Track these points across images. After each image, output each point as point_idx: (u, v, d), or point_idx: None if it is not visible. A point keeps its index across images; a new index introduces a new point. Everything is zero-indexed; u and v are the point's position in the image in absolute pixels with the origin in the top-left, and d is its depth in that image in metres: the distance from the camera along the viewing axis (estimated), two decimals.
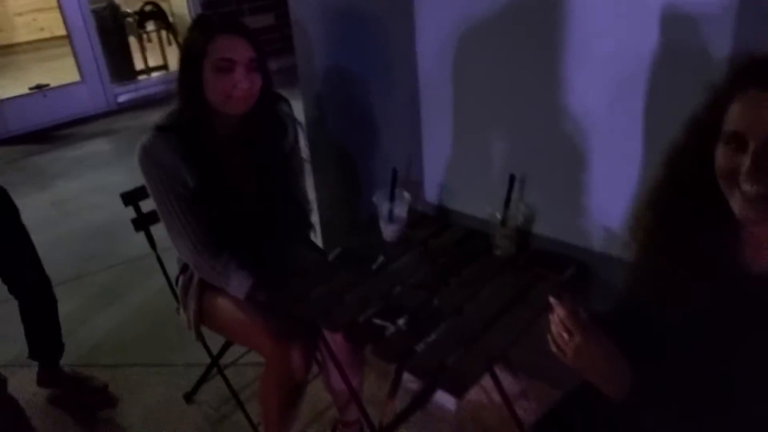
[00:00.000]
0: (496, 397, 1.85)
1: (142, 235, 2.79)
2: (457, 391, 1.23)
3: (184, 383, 2.21)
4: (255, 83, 1.50)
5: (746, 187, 0.90)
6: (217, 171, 1.56)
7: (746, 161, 0.89)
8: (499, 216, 1.55)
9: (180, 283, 1.77)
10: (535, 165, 1.53)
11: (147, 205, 1.84)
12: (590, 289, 1.53)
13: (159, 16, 5.57)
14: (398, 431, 1.76)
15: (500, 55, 1.49)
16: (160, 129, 1.54)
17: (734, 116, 0.91)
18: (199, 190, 1.55)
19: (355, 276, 1.56)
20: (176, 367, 2.33)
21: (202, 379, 2.16)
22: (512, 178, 1.53)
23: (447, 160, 1.72)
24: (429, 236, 1.71)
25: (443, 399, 2.04)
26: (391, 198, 1.66)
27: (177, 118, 1.55)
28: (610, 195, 1.43)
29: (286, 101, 1.69)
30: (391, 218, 1.67)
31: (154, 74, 5.51)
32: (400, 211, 1.67)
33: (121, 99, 4.97)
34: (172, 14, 5.69)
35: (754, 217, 0.91)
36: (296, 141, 1.70)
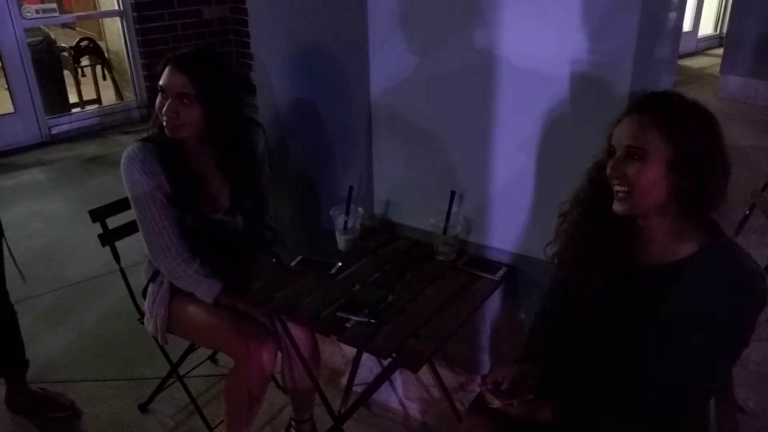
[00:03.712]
0: (436, 392, 2.08)
1: (83, 260, 2.88)
2: (413, 366, 1.44)
3: (138, 395, 2.30)
4: (183, 114, 1.64)
5: (614, 186, 1.20)
6: (193, 182, 1.74)
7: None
8: (440, 226, 1.80)
9: (149, 291, 1.89)
10: (472, 182, 1.79)
11: (112, 221, 1.98)
12: (517, 286, 1.80)
13: (94, 51, 5.62)
14: (352, 429, 1.93)
15: (441, 88, 1.75)
16: (143, 140, 1.72)
17: (613, 135, 1.22)
18: (175, 198, 1.72)
19: (315, 279, 1.76)
20: (129, 381, 2.41)
21: (158, 389, 2.26)
22: (452, 194, 1.79)
23: (395, 179, 1.96)
24: (379, 246, 1.93)
25: (387, 398, 2.24)
26: (347, 211, 1.88)
27: (153, 133, 1.74)
28: (534, 207, 1.71)
29: (261, 126, 1.88)
30: (345, 229, 1.89)
31: (88, 108, 5.51)
32: (354, 223, 1.90)
33: (55, 131, 4.95)
34: (108, 50, 5.76)
35: (622, 211, 1.20)
36: (262, 163, 1.90)
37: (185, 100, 1.64)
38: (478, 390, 1.33)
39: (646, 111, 1.17)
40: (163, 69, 1.67)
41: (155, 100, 1.70)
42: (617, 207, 1.21)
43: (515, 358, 1.37)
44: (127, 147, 1.73)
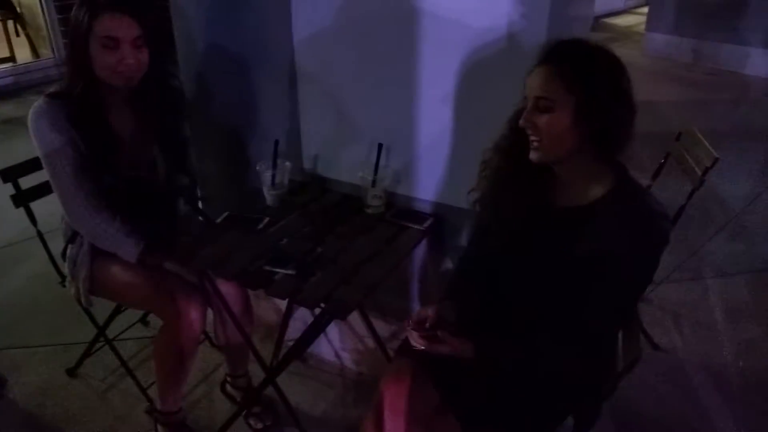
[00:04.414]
0: (371, 342, 2.12)
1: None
2: (341, 314, 1.47)
3: (66, 361, 2.24)
4: (140, 59, 1.58)
5: (529, 135, 1.24)
6: (110, 138, 1.66)
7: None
8: (369, 179, 1.81)
9: (68, 253, 1.81)
10: (398, 135, 1.79)
11: (25, 182, 1.89)
12: (443, 235, 1.83)
13: (5, 5, 5.25)
14: (288, 383, 1.95)
15: (367, 41, 1.73)
16: (49, 96, 1.61)
17: (526, 86, 1.23)
18: (92, 156, 1.64)
19: (242, 234, 1.74)
20: (55, 347, 2.35)
21: (86, 353, 2.21)
22: (380, 147, 1.79)
23: (322, 133, 1.94)
24: (308, 200, 1.92)
25: (322, 351, 2.27)
26: (274, 166, 1.86)
27: (67, 89, 1.62)
28: (458, 158, 1.73)
29: (176, 77, 1.81)
30: (273, 184, 1.87)
31: (1, 66, 5.17)
32: (282, 178, 1.88)
33: None
34: (20, 4, 5.39)
35: (536, 159, 1.25)
36: (184, 114, 1.84)
37: (138, 45, 1.56)
38: (405, 335, 1.37)
39: (552, 61, 1.19)
40: (97, 16, 1.52)
41: (77, 53, 1.57)
42: (532, 156, 1.25)
43: (438, 298, 1.41)
44: (35, 103, 1.63)
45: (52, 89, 1.64)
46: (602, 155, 1.21)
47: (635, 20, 8.47)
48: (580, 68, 1.16)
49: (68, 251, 1.82)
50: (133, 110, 1.71)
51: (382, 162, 1.80)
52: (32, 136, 1.61)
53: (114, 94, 1.65)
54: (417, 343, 1.29)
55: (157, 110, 1.72)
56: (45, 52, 5.28)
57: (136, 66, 1.58)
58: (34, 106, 1.61)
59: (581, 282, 1.20)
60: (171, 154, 1.77)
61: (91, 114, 1.63)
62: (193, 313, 1.69)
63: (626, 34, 7.84)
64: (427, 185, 1.82)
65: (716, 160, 1.96)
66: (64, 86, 1.63)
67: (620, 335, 1.32)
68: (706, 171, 1.98)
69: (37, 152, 1.64)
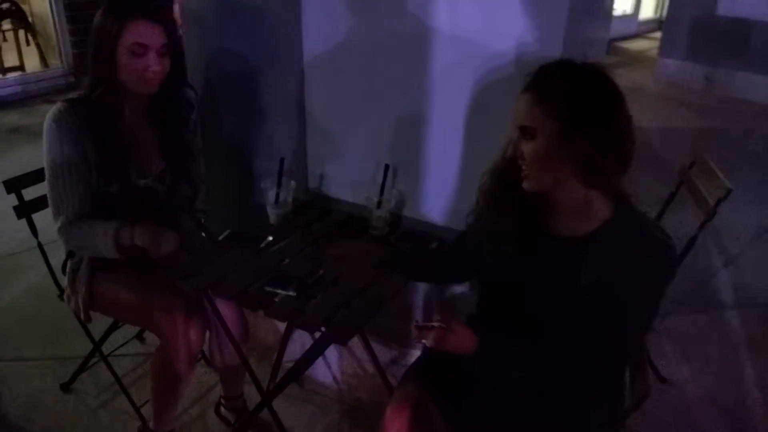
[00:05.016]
0: (370, 367, 2.07)
1: (1, 236, 2.65)
2: (341, 339, 1.42)
3: (61, 375, 2.20)
4: (165, 67, 1.60)
5: (520, 164, 1.20)
6: (122, 146, 1.64)
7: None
8: (375, 200, 1.78)
9: (68, 267, 1.79)
10: (406, 157, 1.77)
11: (28, 193, 1.86)
12: None
13: (17, 14, 5.29)
14: (283, 407, 1.89)
15: (377, 61, 1.72)
16: (70, 102, 1.60)
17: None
18: (101, 164, 1.62)
19: (244, 253, 1.70)
20: (51, 360, 2.31)
21: (81, 368, 2.17)
22: (386, 168, 1.76)
23: (329, 152, 1.92)
24: (312, 220, 1.89)
25: (320, 375, 2.22)
26: (278, 184, 1.83)
27: (87, 94, 1.61)
28: (466, 182, 1.70)
29: (192, 88, 1.80)
30: (277, 203, 1.84)
31: (10, 75, 5.20)
32: (286, 196, 1.85)
33: None
34: (32, 14, 5.43)
35: (528, 188, 1.21)
36: (196, 126, 1.82)
37: (162, 53, 1.58)
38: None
39: (533, 88, 1.16)
40: (126, 23, 1.53)
41: (102, 59, 1.56)
42: (524, 185, 1.22)
43: None
44: (54, 106, 1.60)
45: (71, 95, 1.63)
46: (593, 181, 1.16)
47: (648, 45, 8.47)
48: (560, 94, 1.12)
49: (68, 265, 1.79)
50: (149, 118, 1.70)
51: (388, 183, 1.77)
52: (44, 138, 1.60)
53: (133, 101, 1.66)
54: (419, 340, 1.25)
55: (171, 119, 1.71)
56: (54, 61, 5.31)
57: (161, 73, 1.60)
58: (52, 110, 1.60)
59: (583, 315, 1.15)
60: (178, 164, 1.76)
61: (108, 120, 1.62)
62: (192, 334, 1.65)
63: (638, 58, 7.84)
64: (433, 208, 1.79)
65: (729, 191, 1.92)
66: (84, 92, 1.62)
67: (627, 371, 1.27)
68: (718, 202, 1.94)
69: (43, 156, 1.62)
